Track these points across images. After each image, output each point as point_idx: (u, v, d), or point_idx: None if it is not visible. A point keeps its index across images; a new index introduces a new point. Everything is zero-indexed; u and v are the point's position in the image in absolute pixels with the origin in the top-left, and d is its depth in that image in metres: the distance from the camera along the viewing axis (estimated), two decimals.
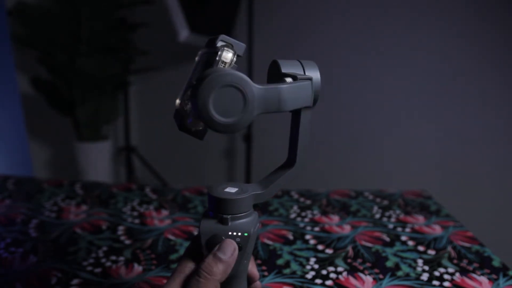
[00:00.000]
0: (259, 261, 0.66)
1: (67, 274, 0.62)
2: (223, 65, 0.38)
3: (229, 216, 0.39)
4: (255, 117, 0.37)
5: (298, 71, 0.40)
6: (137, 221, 0.80)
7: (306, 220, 0.81)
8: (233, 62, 0.38)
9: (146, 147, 2.35)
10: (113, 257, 0.67)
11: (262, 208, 0.86)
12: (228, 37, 0.39)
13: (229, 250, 0.38)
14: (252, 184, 0.42)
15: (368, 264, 0.65)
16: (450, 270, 0.64)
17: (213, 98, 0.35)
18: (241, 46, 0.39)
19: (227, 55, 0.38)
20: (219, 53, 0.38)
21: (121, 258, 0.67)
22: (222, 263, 0.37)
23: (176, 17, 1.68)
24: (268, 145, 1.89)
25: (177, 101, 0.45)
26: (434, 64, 1.77)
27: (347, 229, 0.78)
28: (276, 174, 0.42)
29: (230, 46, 0.39)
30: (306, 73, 0.41)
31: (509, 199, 1.78)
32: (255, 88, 0.36)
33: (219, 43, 0.39)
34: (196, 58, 0.46)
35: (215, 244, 0.39)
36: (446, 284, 0.60)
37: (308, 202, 0.90)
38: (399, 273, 0.63)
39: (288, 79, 0.40)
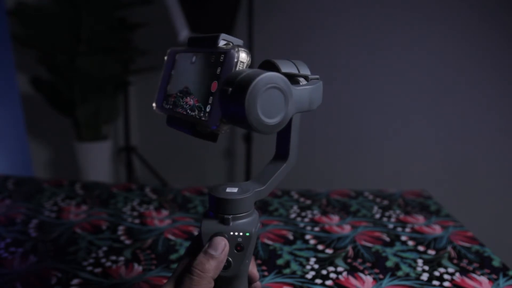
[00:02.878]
0: (259, 261, 0.66)
1: (67, 274, 0.62)
2: (241, 65, 0.37)
3: (230, 216, 0.39)
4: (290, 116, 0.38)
5: (294, 70, 0.41)
6: (137, 221, 0.80)
7: (306, 220, 0.81)
8: (249, 62, 0.38)
9: (146, 147, 2.35)
10: (113, 257, 0.67)
11: (261, 207, 0.86)
12: (228, 35, 0.39)
13: (220, 246, 0.38)
14: (250, 181, 0.42)
15: (368, 264, 0.65)
16: (450, 270, 0.64)
17: (260, 101, 0.34)
18: (240, 42, 0.39)
19: (243, 55, 0.37)
20: (235, 54, 0.37)
21: (121, 258, 0.67)
22: (214, 260, 0.38)
23: (176, 17, 1.67)
24: (268, 145, 1.89)
25: (154, 104, 0.46)
26: (435, 64, 1.77)
27: (347, 229, 0.78)
28: (271, 170, 0.42)
29: (230, 44, 0.39)
30: (301, 72, 0.41)
31: (509, 199, 1.78)
32: (293, 88, 0.37)
33: (221, 43, 0.39)
34: (166, 58, 0.46)
35: None
36: (446, 284, 0.60)
37: (308, 202, 0.90)
38: (399, 273, 0.63)
39: (301, 80, 0.41)
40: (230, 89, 0.34)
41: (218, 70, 0.38)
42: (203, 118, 0.38)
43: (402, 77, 1.83)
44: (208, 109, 0.38)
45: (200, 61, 0.41)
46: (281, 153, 0.43)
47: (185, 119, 0.41)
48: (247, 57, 0.37)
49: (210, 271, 0.37)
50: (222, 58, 0.38)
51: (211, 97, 0.38)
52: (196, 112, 0.39)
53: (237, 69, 0.37)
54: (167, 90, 0.45)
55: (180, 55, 0.44)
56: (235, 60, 0.37)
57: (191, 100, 0.40)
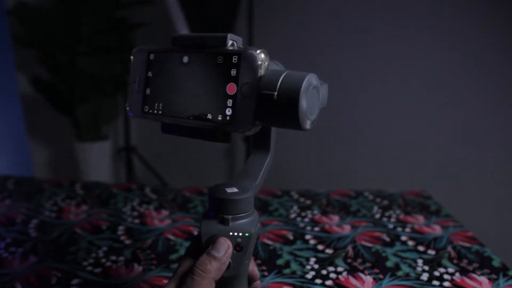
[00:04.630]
0: (259, 261, 0.66)
1: (67, 274, 0.62)
2: (264, 66, 0.37)
3: (230, 217, 0.39)
4: None
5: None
6: (137, 221, 0.80)
7: (306, 220, 0.81)
8: (268, 61, 0.37)
9: (146, 147, 2.35)
10: (113, 257, 0.67)
11: (261, 207, 0.86)
12: (234, 35, 0.39)
13: (223, 248, 0.38)
14: (240, 178, 0.43)
15: (368, 264, 0.65)
16: (450, 270, 0.64)
17: (307, 102, 0.36)
18: (240, 40, 0.39)
19: (263, 56, 0.37)
20: (258, 56, 0.36)
21: (121, 258, 0.67)
22: (216, 261, 0.37)
23: (176, 17, 1.67)
24: None
25: (128, 109, 0.43)
26: (434, 64, 1.77)
27: (347, 229, 0.78)
28: (258, 164, 0.43)
29: (234, 43, 0.38)
30: None
31: (509, 199, 1.78)
32: (321, 86, 0.39)
33: (230, 42, 0.38)
34: (133, 58, 0.43)
35: None
36: (446, 284, 0.60)
37: (308, 202, 0.90)
38: (399, 273, 0.63)
39: None
40: (275, 93, 0.35)
41: (233, 72, 0.37)
42: (224, 122, 0.37)
43: (402, 77, 1.83)
44: (228, 112, 0.37)
45: (199, 62, 0.39)
46: (263, 147, 0.43)
47: (195, 125, 0.39)
48: (267, 57, 0.37)
49: (211, 272, 0.37)
50: (235, 59, 0.37)
51: (229, 100, 0.37)
52: (211, 116, 0.38)
53: (261, 71, 0.36)
54: (146, 93, 0.42)
55: (160, 54, 0.41)
56: (259, 62, 0.36)
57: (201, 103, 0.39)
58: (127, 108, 0.43)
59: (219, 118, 0.38)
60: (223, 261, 0.38)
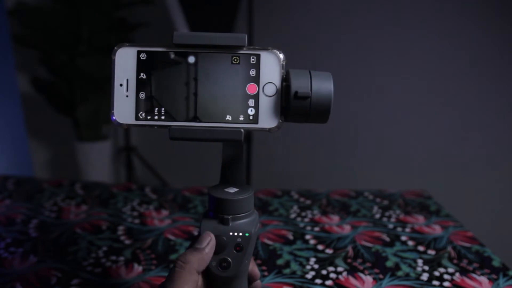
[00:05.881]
0: (259, 261, 0.66)
1: (67, 274, 0.62)
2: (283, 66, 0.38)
3: (230, 217, 0.39)
4: None
5: None
6: (137, 221, 0.80)
7: (306, 220, 0.81)
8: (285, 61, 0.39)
9: (146, 147, 2.35)
10: (113, 257, 0.67)
11: (261, 207, 0.86)
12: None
13: (205, 240, 0.39)
14: (230, 178, 0.43)
15: (368, 264, 0.65)
16: (450, 270, 0.64)
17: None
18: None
19: (282, 56, 0.38)
20: (280, 56, 0.37)
21: (121, 258, 0.67)
22: (197, 251, 0.38)
23: (176, 17, 1.67)
24: (267, 146, 1.90)
25: (115, 118, 0.38)
26: (435, 63, 1.77)
27: (347, 229, 0.78)
28: (237, 161, 0.44)
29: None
30: None
31: (509, 199, 1.78)
32: None
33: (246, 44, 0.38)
34: (116, 58, 0.38)
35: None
36: (446, 284, 0.60)
37: (308, 202, 0.90)
38: (399, 273, 0.63)
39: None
40: (310, 92, 0.36)
41: (253, 72, 0.37)
42: (248, 122, 0.38)
43: (402, 77, 1.83)
44: (251, 112, 0.38)
45: (209, 62, 0.37)
46: (234, 144, 0.43)
47: (211, 128, 0.38)
48: (285, 57, 0.38)
49: (193, 263, 0.37)
50: (253, 59, 0.37)
51: (251, 100, 0.37)
52: (231, 117, 0.38)
53: (283, 70, 0.37)
54: (139, 97, 0.38)
55: (155, 54, 0.38)
56: (282, 62, 0.37)
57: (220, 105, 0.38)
58: (113, 117, 0.38)
59: (241, 118, 0.38)
60: (205, 251, 0.38)
